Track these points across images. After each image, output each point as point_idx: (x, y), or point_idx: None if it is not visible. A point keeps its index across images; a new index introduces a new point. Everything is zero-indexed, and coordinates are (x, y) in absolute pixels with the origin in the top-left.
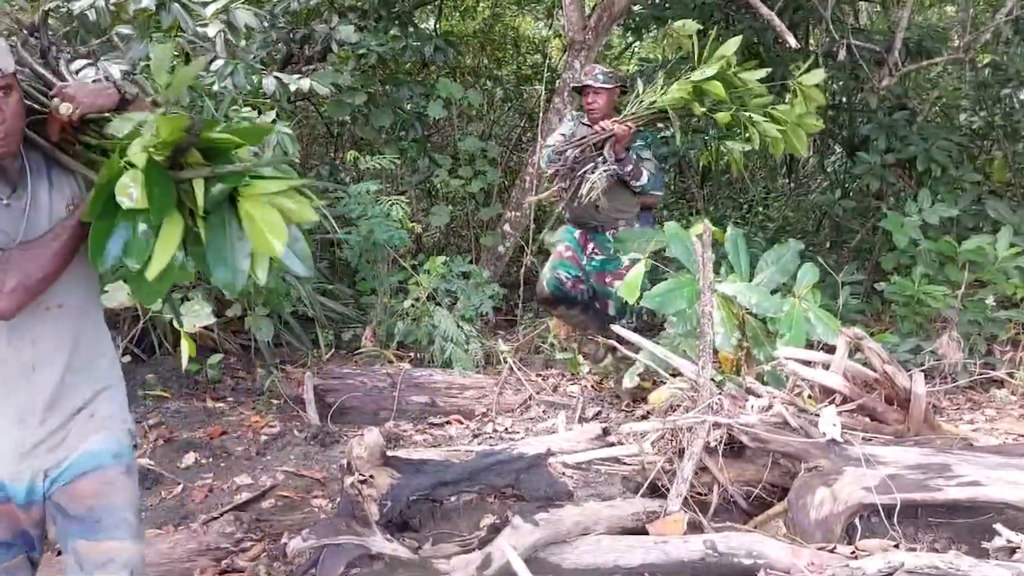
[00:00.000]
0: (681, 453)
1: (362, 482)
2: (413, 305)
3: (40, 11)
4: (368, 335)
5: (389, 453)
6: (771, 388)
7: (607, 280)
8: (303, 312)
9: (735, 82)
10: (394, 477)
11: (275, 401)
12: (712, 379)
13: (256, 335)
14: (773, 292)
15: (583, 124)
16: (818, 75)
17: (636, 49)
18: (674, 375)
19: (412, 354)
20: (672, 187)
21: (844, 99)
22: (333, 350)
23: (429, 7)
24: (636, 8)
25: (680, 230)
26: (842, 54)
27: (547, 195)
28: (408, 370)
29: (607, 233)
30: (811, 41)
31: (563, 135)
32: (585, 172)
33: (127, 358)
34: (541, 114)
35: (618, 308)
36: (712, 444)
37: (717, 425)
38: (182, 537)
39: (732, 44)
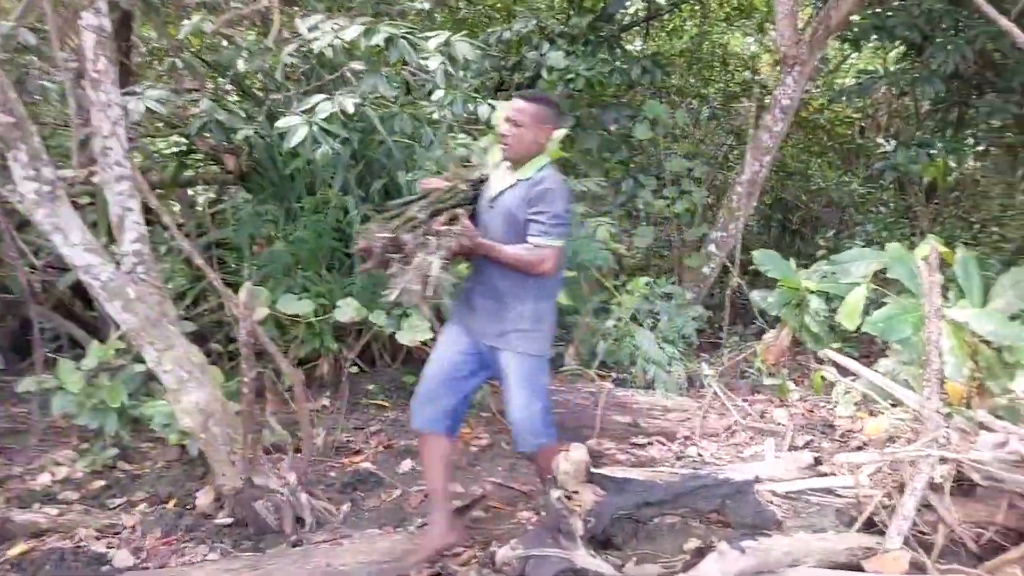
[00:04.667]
0: (902, 488)
1: (567, 497)
2: (615, 325)
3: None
4: (571, 353)
5: (593, 470)
6: (1008, 423)
7: None
8: None
9: None
10: (598, 494)
11: (484, 414)
12: (939, 411)
13: None
14: (1012, 319)
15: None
16: None
17: (853, 61)
18: (894, 405)
19: (614, 374)
20: (894, 205)
21: None
22: None
23: (636, 28)
24: (855, 18)
25: (903, 251)
26: None
27: None
28: (610, 389)
29: None
30: None
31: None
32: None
33: (354, 369)
34: (751, 131)
35: None
36: (938, 480)
37: (944, 460)
38: (400, 538)
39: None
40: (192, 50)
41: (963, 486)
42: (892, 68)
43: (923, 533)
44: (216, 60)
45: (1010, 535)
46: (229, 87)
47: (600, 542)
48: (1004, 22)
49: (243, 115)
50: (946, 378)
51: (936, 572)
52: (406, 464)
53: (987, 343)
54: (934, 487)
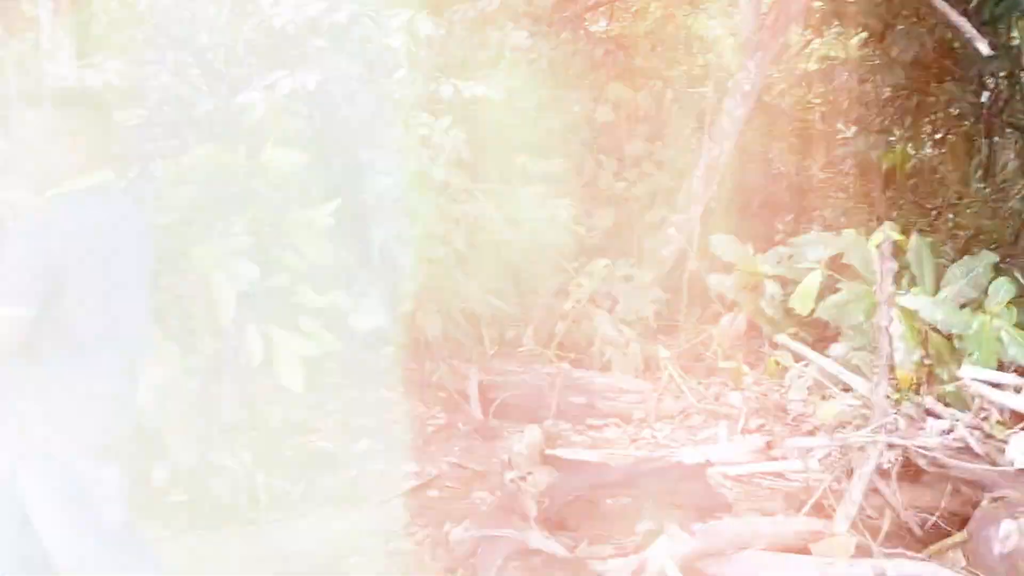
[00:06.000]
0: (850, 473)
1: (521, 478)
2: (574, 307)
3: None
4: (530, 334)
5: (548, 452)
6: (954, 410)
7: None
8: (470, 310)
9: None
10: (553, 475)
11: (441, 394)
12: (888, 397)
13: (426, 329)
14: (962, 307)
15: None
16: None
17: (816, 47)
18: (845, 391)
19: (572, 355)
20: (852, 191)
21: None
22: (497, 347)
23: (601, 9)
24: (817, 4)
25: (858, 238)
26: None
27: None
28: (568, 371)
29: None
30: (1014, 35)
31: None
32: None
33: None
34: (712, 115)
35: None
36: (885, 466)
37: (892, 446)
38: (356, 517)
39: None
40: (152, 22)
41: (910, 471)
42: (854, 55)
43: (870, 517)
44: (177, 33)
45: (953, 520)
46: (189, 60)
47: (554, 523)
48: (955, 16)
49: (204, 89)
50: (896, 364)
51: (881, 555)
52: (363, 443)
53: (938, 331)
54: (882, 472)
